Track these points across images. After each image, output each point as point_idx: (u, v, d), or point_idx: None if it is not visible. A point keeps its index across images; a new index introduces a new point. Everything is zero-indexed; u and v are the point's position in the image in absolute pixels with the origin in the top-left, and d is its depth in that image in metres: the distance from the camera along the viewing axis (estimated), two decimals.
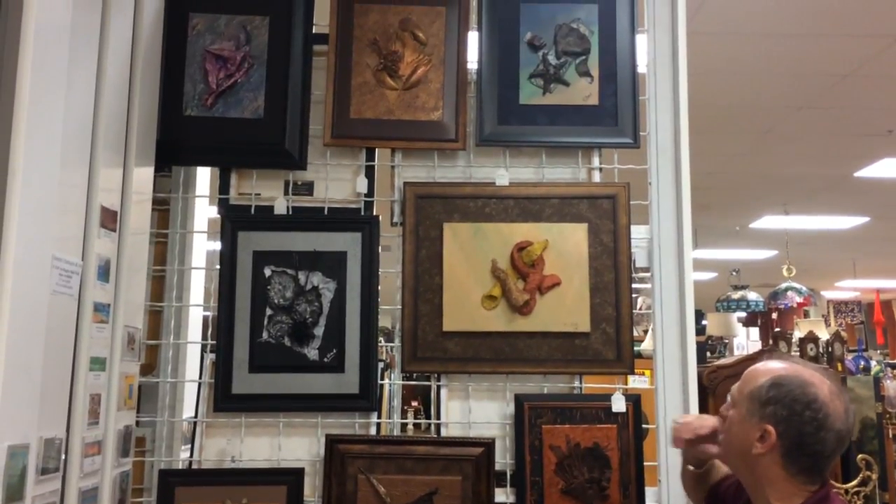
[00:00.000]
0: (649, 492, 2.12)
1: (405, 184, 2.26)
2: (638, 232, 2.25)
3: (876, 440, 4.61)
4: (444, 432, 2.19)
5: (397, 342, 2.22)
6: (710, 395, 5.25)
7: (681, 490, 2.09)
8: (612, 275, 2.21)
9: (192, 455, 2.19)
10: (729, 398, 1.57)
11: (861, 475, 2.69)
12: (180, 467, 2.19)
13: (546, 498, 2.09)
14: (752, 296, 7.36)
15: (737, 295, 7.42)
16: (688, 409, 2.16)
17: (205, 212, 2.49)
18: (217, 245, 2.24)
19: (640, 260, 2.27)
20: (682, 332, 2.20)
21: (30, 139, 1.49)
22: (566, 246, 2.22)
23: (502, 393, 2.20)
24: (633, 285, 2.25)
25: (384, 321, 2.27)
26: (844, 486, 2.79)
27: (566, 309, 2.20)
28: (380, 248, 2.25)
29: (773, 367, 1.51)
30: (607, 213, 2.24)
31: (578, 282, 2.20)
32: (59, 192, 1.62)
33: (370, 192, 2.28)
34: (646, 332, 4.17)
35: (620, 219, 2.23)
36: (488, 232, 2.23)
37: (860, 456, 2.79)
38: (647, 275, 2.28)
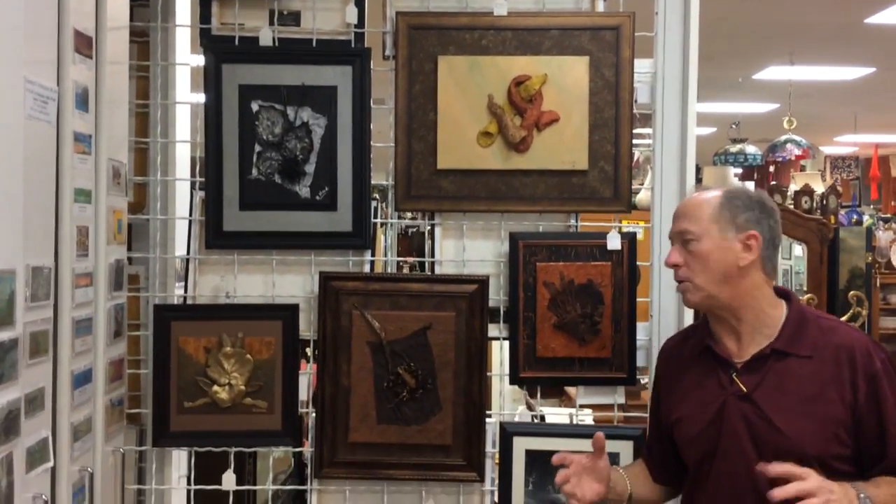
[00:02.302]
0: (640, 326, 2.15)
1: (398, 13, 2.14)
2: (641, 66, 2.16)
3: (864, 289, 4.70)
4: (438, 270, 2.19)
5: (390, 180, 2.17)
6: None
7: (671, 325, 2.13)
8: (613, 111, 2.13)
9: (186, 291, 2.19)
10: (678, 241, 1.57)
11: (852, 310, 2.74)
12: (175, 303, 2.20)
13: (538, 332, 2.12)
14: (751, 149, 7.28)
15: (735, 148, 7.33)
16: None
17: (187, 47, 2.38)
18: (201, 84, 2.14)
19: (642, 96, 2.19)
20: (681, 171, 2.15)
21: None
22: (566, 80, 2.13)
23: (497, 232, 2.18)
24: (635, 130, 2.18)
25: (378, 176, 2.20)
26: None
27: (564, 146, 2.13)
28: (371, 100, 2.16)
29: (710, 189, 1.57)
30: (610, 46, 2.13)
31: (577, 118, 2.13)
32: (27, 12, 1.52)
33: (360, 23, 2.16)
34: (641, 184, 4.13)
35: (623, 52, 2.12)
36: (485, 65, 2.13)
37: (852, 292, 2.84)
38: (649, 112, 2.20)
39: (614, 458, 2.07)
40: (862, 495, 1.38)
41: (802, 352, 1.48)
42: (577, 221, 2.19)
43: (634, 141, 2.21)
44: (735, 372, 1.54)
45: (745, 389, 1.51)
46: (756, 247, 1.51)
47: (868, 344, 1.48)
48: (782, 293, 1.59)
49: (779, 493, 1.33)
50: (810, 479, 1.35)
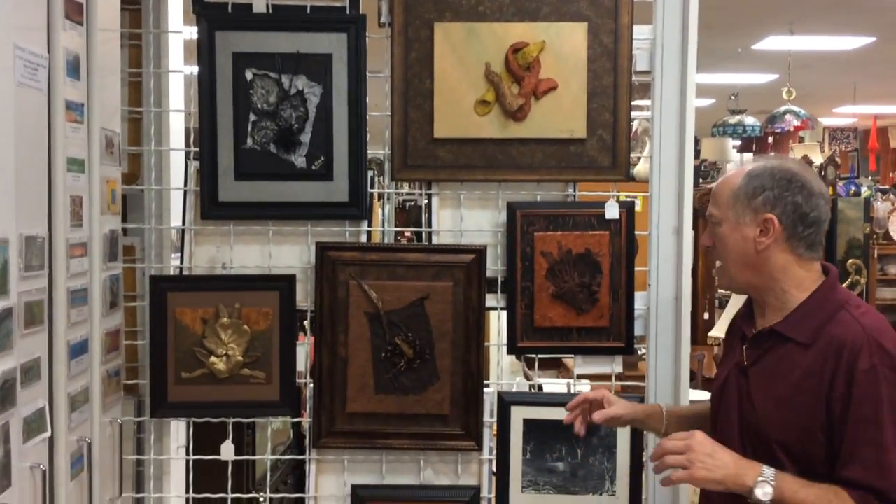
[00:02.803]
0: (639, 296, 2.14)
1: None
2: (640, 32, 2.13)
3: (862, 259, 4.70)
4: (435, 241, 2.18)
5: (386, 150, 2.15)
6: (700, 217, 5.29)
7: (669, 295, 2.13)
8: (612, 78, 2.11)
9: (182, 262, 2.18)
10: (709, 223, 1.54)
11: (850, 279, 2.74)
12: (171, 274, 2.19)
13: (536, 302, 2.11)
14: (749, 120, 7.24)
15: (734, 120, 7.29)
16: (682, 222, 2.14)
17: (180, 15, 2.34)
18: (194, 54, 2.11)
19: (641, 63, 2.16)
20: (680, 139, 2.13)
21: None
22: (564, 47, 2.10)
23: (494, 201, 2.16)
24: (634, 103, 2.15)
25: (375, 148, 2.18)
26: None
27: (562, 114, 2.11)
28: (367, 73, 2.12)
29: (738, 170, 1.50)
30: (608, 12, 2.10)
31: (576, 86, 2.11)
32: None
33: None
34: (639, 158, 4.10)
35: (622, 17, 2.09)
36: (482, 32, 2.10)
37: (850, 261, 2.83)
38: (648, 79, 2.18)
39: (612, 428, 2.08)
40: (763, 478, 1.33)
41: (800, 338, 1.43)
42: (575, 190, 2.18)
43: (632, 111, 2.19)
44: (746, 344, 1.53)
45: (745, 362, 1.51)
46: (774, 230, 1.44)
47: (864, 343, 1.36)
48: (826, 271, 1.50)
49: (656, 451, 1.39)
50: (691, 439, 1.36)
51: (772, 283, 1.48)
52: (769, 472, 1.35)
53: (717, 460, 1.35)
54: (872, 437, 1.33)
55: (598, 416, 1.67)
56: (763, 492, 1.32)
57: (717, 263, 1.58)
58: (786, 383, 1.43)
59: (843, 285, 2.82)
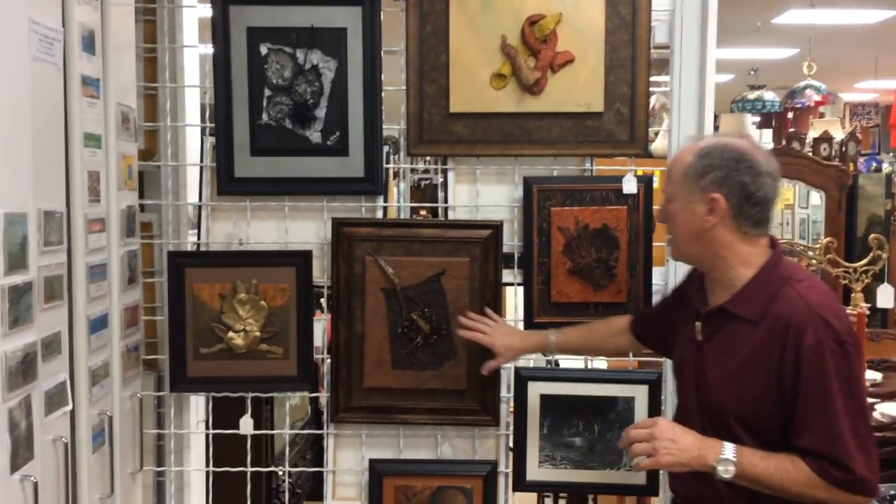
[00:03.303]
0: (656, 271, 2.13)
1: None
2: (659, 3, 2.10)
3: (883, 235, 4.64)
4: (451, 216, 2.17)
5: (402, 125, 2.14)
6: None
7: (688, 269, 2.11)
8: (630, 51, 2.08)
9: (199, 238, 2.19)
10: (664, 199, 1.59)
11: (872, 253, 2.70)
12: (189, 250, 2.20)
13: (553, 278, 2.10)
14: (769, 95, 7.13)
15: (753, 95, 7.18)
16: None
17: None
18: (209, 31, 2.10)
19: (659, 35, 2.13)
20: (700, 111, 2.10)
21: None
22: (581, 19, 2.08)
23: (511, 176, 2.15)
24: (651, 79, 2.12)
25: (390, 126, 2.16)
26: (853, 264, 2.82)
27: (579, 88, 2.09)
28: (383, 51, 2.11)
29: (690, 147, 1.53)
30: None
31: (593, 58, 2.08)
32: None
33: None
34: (657, 133, 4.06)
35: None
36: (497, 4, 2.08)
37: (872, 235, 2.79)
38: (667, 51, 2.15)
39: (629, 403, 2.08)
40: (725, 456, 1.41)
41: (749, 316, 1.47)
42: (592, 165, 2.16)
43: (653, 79, 2.16)
44: (699, 320, 1.57)
45: (700, 338, 1.56)
46: (720, 209, 1.48)
47: (808, 320, 1.41)
48: (773, 244, 1.55)
49: (623, 440, 1.49)
50: (654, 427, 1.46)
51: (719, 259, 1.52)
52: (729, 450, 1.42)
53: (680, 444, 1.44)
54: (823, 408, 1.39)
55: (484, 370, 1.98)
56: (725, 469, 1.41)
57: (668, 237, 1.62)
58: (738, 359, 1.48)
59: (864, 261, 2.81)
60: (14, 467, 1.42)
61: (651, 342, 1.88)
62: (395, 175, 3.49)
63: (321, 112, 2.11)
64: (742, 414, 1.47)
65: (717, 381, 1.51)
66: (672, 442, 1.44)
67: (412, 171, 2.24)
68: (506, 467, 2.17)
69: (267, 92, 2.10)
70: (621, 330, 1.92)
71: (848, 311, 2.79)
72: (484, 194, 2.16)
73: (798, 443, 1.41)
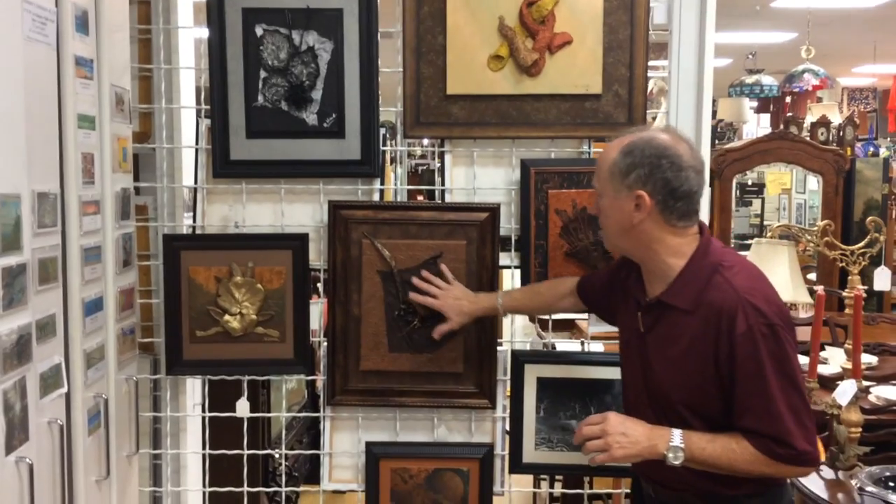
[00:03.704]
0: None
1: None
2: None
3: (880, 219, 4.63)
4: (448, 199, 2.16)
5: (399, 107, 2.12)
6: (716, 178, 5.22)
7: None
8: (628, 32, 2.07)
9: (194, 221, 2.17)
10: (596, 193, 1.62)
11: (869, 236, 2.70)
12: (184, 233, 2.19)
13: (550, 260, 2.10)
14: (767, 80, 7.11)
15: (751, 79, 7.16)
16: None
17: None
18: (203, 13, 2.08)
19: (658, 16, 2.12)
20: (698, 93, 2.09)
21: None
22: (579, 0, 2.06)
23: (508, 158, 2.14)
24: (651, 64, 2.10)
25: (387, 107, 2.14)
26: (850, 247, 2.81)
27: (577, 69, 2.08)
28: (379, 32, 2.09)
29: (616, 143, 1.57)
30: None
31: (591, 40, 2.07)
32: None
33: None
34: (654, 118, 4.04)
35: None
36: None
37: (870, 218, 2.79)
38: (665, 33, 2.13)
39: None
40: (674, 443, 1.48)
41: (684, 306, 1.52)
42: (590, 147, 2.15)
43: (651, 63, 2.14)
44: (640, 310, 1.61)
45: (642, 329, 1.60)
46: (646, 206, 1.51)
47: (738, 307, 1.45)
48: (702, 231, 1.58)
49: (577, 436, 1.55)
50: (606, 422, 1.51)
51: (650, 252, 1.56)
52: (677, 436, 1.48)
53: (631, 437, 1.50)
54: (759, 391, 1.45)
55: (435, 333, 2.00)
56: (675, 455, 1.47)
57: (600, 230, 1.67)
58: (678, 347, 1.52)
59: (862, 243, 2.81)
60: (9, 448, 1.42)
61: (597, 308, 1.91)
62: (392, 160, 3.48)
63: (317, 94, 2.09)
64: (687, 400, 1.52)
65: (661, 369, 1.56)
66: (623, 435, 1.50)
67: (409, 156, 2.22)
68: (502, 450, 2.18)
69: (262, 74, 2.08)
70: (567, 293, 1.93)
71: (845, 293, 2.80)
72: (481, 177, 2.15)
73: (740, 424, 1.47)
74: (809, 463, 1.48)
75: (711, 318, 1.47)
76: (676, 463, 1.48)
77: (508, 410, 2.15)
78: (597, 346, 2.46)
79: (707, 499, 1.54)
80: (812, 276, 4.88)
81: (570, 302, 1.93)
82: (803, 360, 2.93)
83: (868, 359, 3.10)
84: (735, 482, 1.50)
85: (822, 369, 2.79)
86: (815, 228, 3.00)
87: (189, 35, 2.29)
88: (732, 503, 1.53)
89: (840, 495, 1.68)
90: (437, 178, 2.22)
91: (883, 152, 6.42)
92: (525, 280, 2.13)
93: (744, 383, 1.45)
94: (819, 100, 8.82)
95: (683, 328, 1.52)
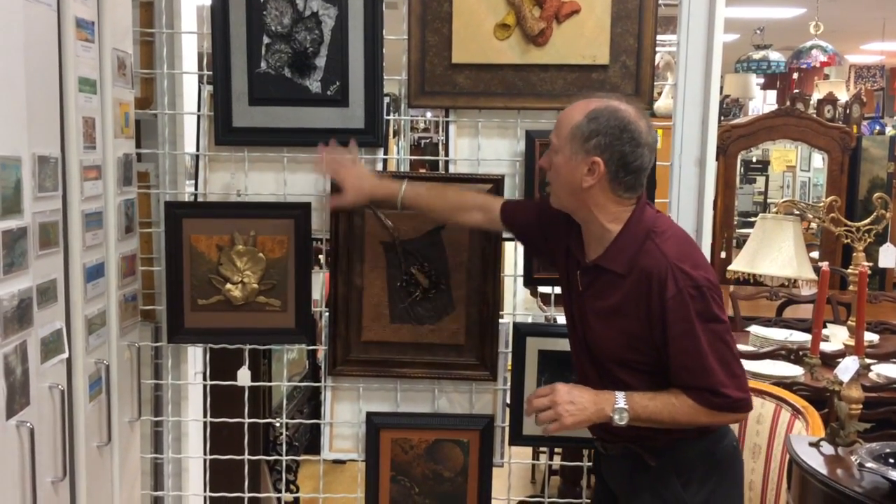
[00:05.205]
0: None
1: None
2: None
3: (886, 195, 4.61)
4: (452, 170, 2.14)
5: (403, 76, 2.09)
6: (721, 154, 5.19)
7: (690, 225, 2.09)
8: (637, 1, 2.03)
9: (196, 189, 2.16)
10: (550, 147, 1.65)
11: (876, 212, 2.68)
12: (186, 200, 2.17)
13: None
14: (775, 55, 7.02)
15: (758, 55, 7.07)
16: (705, 154, 2.09)
17: None
18: None
19: None
20: (706, 70, 2.06)
21: None
22: None
23: (513, 129, 2.12)
24: (658, 38, 2.07)
25: (391, 86, 2.11)
26: (857, 224, 2.80)
27: (584, 39, 2.05)
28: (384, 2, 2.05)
29: (582, 105, 1.60)
30: None
31: (599, 9, 2.04)
32: None
33: None
34: (660, 93, 4.00)
35: None
36: None
37: (877, 194, 2.77)
38: (674, 5, 2.10)
39: None
40: (619, 405, 1.57)
41: (618, 269, 1.60)
42: None
43: (659, 37, 2.12)
44: (579, 270, 1.68)
45: (581, 288, 1.68)
46: (598, 173, 1.57)
47: (668, 271, 1.53)
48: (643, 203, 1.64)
49: (528, 409, 1.63)
50: (554, 393, 1.59)
51: (591, 215, 1.63)
52: (621, 398, 1.58)
53: (579, 404, 1.58)
54: (691, 349, 1.54)
55: (329, 205, 2.02)
56: (620, 416, 1.57)
57: (548, 185, 1.71)
58: (612, 309, 1.61)
59: (868, 220, 2.79)
60: (10, 412, 1.42)
61: (521, 236, 1.91)
62: (395, 133, 3.45)
63: (321, 61, 2.07)
64: (624, 359, 1.61)
65: (597, 329, 1.64)
66: (571, 403, 1.58)
67: (412, 129, 2.20)
68: (502, 422, 2.18)
69: (266, 39, 2.06)
70: (478, 206, 1.92)
71: (849, 270, 2.79)
72: (486, 148, 2.13)
73: (677, 381, 1.57)
74: (742, 409, 1.59)
75: (643, 282, 1.56)
76: (623, 423, 1.56)
77: (509, 383, 2.15)
78: None
79: (650, 447, 1.63)
80: (815, 254, 4.88)
81: (481, 218, 1.92)
82: (805, 336, 2.94)
83: (869, 337, 3.10)
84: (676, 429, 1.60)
85: (825, 346, 2.79)
86: (821, 205, 2.98)
87: (190, 1, 2.25)
88: (676, 448, 1.62)
89: (839, 471, 1.68)
90: (441, 151, 2.20)
91: (889, 130, 6.37)
92: (529, 256, 2.11)
93: (676, 342, 1.54)
94: (826, 77, 8.73)
95: (617, 290, 1.60)
